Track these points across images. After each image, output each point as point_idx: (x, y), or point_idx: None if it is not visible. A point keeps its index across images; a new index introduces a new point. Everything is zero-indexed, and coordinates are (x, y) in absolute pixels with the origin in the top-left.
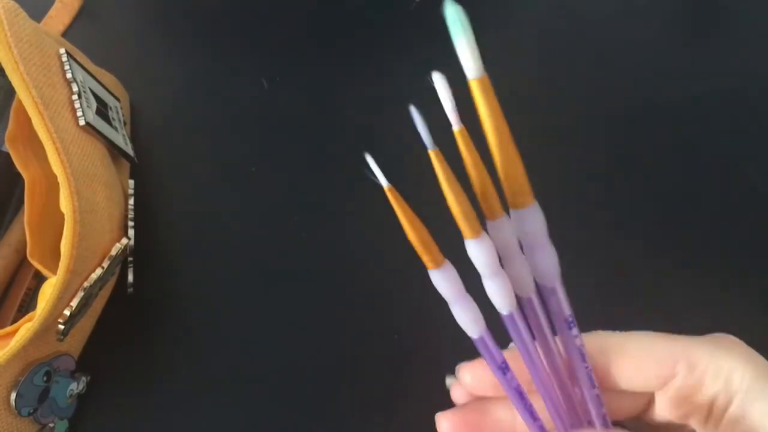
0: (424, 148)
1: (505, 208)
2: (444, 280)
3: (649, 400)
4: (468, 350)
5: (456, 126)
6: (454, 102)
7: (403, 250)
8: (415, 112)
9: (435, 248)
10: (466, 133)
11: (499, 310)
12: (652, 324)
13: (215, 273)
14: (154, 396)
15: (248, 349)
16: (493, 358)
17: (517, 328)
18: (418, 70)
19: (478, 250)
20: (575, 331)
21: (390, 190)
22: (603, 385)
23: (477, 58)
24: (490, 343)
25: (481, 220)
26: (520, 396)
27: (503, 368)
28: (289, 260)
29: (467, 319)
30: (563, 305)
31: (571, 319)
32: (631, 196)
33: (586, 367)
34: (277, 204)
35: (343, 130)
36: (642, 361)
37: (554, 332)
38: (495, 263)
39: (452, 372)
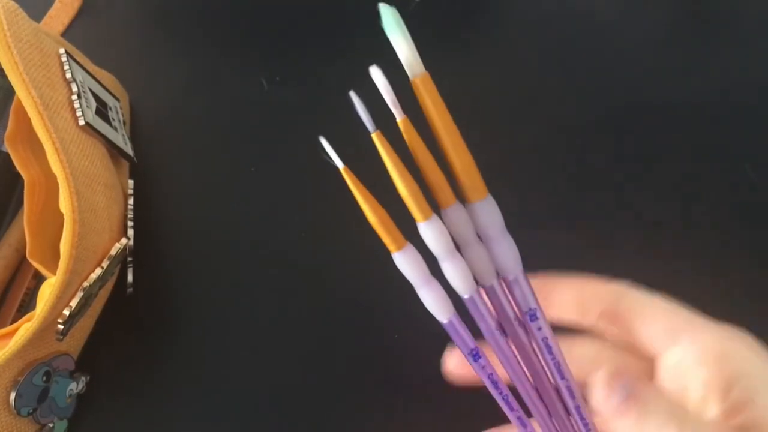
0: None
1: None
2: (407, 263)
3: (654, 366)
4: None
5: (399, 116)
6: (393, 94)
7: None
8: (355, 97)
9: (395, 230)
10: (409, 124)
11: (460, 294)
12: None
13: (215, 273)
14: (153, 396)
15: (248, 348)
16: (465, 343)
17: (480, 312)
18: None
19: (430, 232)
20: (540, 322)
21: (345, 170)
22: (622, 334)
23: (415, 56)
24: (460, 328)
25: (435, 209)
26: (494, 384)
27: (475, 354)
28: (289, 260)
29: (434, 302)
30: (527, 297)
31: (534, 311)
32: (631, 195)
33: (553, 359)
34: (277, 204)
35: (343, 129)
36: (659, 321)
37: (519, 322)
38: (449, 245)
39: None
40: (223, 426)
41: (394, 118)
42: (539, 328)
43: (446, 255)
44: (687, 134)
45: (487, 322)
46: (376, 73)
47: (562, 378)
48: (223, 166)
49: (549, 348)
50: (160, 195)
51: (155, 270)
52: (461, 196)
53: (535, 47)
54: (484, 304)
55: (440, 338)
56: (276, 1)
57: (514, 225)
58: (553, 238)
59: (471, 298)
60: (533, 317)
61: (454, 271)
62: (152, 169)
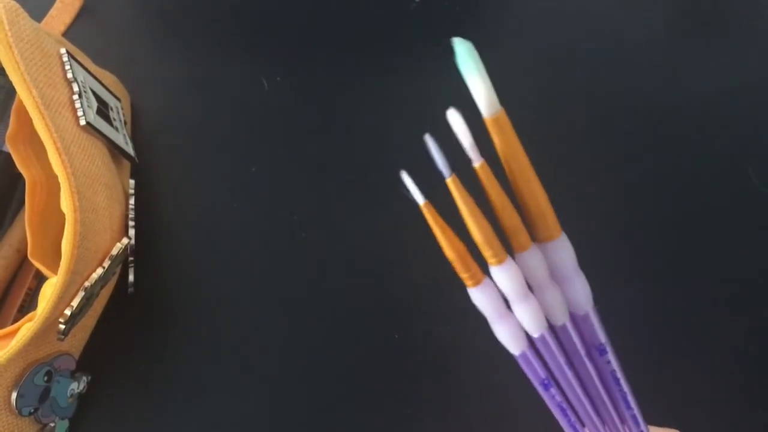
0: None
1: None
2: (484, 298)
3: None
4: (469, 350)
5: (477, 161)
6: (471, 138)
7: (403, 249)
8: (431, 141)
9: (474, 265)
10: (487, 169)
11: (530, 333)
12: (657, 316)
13: (215, 273)
14: (154, 396)
15: (248, 348)
16: (536, 374)
17: (550, 348)
18: (418, 70)
19: (504, 276)
20: (608, 356)
21: (426, 206)
22: None
23: (491, 93)
24: (533, 359)
25: (508, 250)
26: (563, 412)
27: (546, 384)
28: (289, 260)
29: (509, 336)
30: (596, 331)
31: (603, 346)
32: (630, 195)
33: (620, 390)
34: (277, 204)
35: (344, 129)
36: None
37: (589, 356)
38: (522, 287)
39: (451, 373)
40: (223, 426)
41: (396, 118)
42: (608, 362)
43: (520, 298)
44: (688, 135)
45: (556, 359)
46: (454, 117)
47: (629, 408)
48: (224, 166)
49: (617, 380)
50: (161, 195)
51: (156, 270)
52: (533, 235)
53: (535, 47)
54: (555, 342)
55: (440, 337)
56: (276, 1)
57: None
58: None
59: (542, 337)
60: (603, 351)
61: (527, 313)
62: (153, 169)
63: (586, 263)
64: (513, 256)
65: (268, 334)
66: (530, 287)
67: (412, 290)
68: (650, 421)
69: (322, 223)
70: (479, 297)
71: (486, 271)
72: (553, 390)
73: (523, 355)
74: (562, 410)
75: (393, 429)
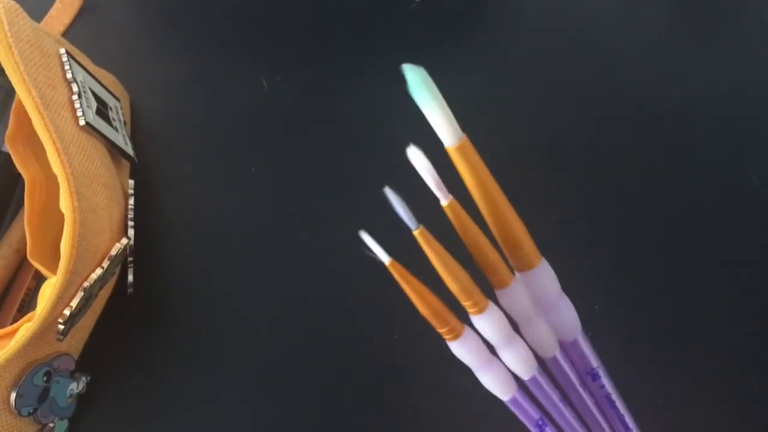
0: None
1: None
2: (465, 351)
3: None
4: None
5: (444, 200)
6: (437, 176)
7: (403, 249)
8: (391, 194)
9: (452, 318)
10: (457, 206)
11: (521, 377)
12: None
13: (215, 273)
14: (154, 396)
15: (248, 348)
16: (530, 416)
17: (543, 389)
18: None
19: (487, 325)
20: (602, 381)
21: (392, 265)
22: None
23: (452, 122)
24: (524, 402)
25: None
26: None
27: (541, 425)
28: (289, 260)
29: (496, 384)
30: (588, 357)
31: (596, 371)
32: (631, 195)
33: (617, 413)
34: (277, 204)
35: (344, 130)
36: None
37: (582, 382)
38: (507, 333)
39: (452, 373)
40: (223, 426)
41: (396, 118)
42: (602, 386)
43: (505, 343)
44: (688, 135)
45: (550, 397)
46: (415, 155)
47: (627, 429)
48: (224, 166)
49: (613, 403)
50: (161, 195)
51: (156, 270)
52: (512, 264)
53: (535, 47)
54: (547, 380)
55: (440, 337)
56: (276, 1)
57: None
58: (551, 237)
59: (533, 378)
60: (595, 376)
61: (516, 357)
62: (153, 169)
63: (585, 263)
64: (495, 292)
65: (268, 335)
66: (516, 322)
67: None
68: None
69: (322, 223)
70: (460, 350)
71: (465, 317)
72: (549, 429)
73: (514, 399)
74: None
75: (393, 429)
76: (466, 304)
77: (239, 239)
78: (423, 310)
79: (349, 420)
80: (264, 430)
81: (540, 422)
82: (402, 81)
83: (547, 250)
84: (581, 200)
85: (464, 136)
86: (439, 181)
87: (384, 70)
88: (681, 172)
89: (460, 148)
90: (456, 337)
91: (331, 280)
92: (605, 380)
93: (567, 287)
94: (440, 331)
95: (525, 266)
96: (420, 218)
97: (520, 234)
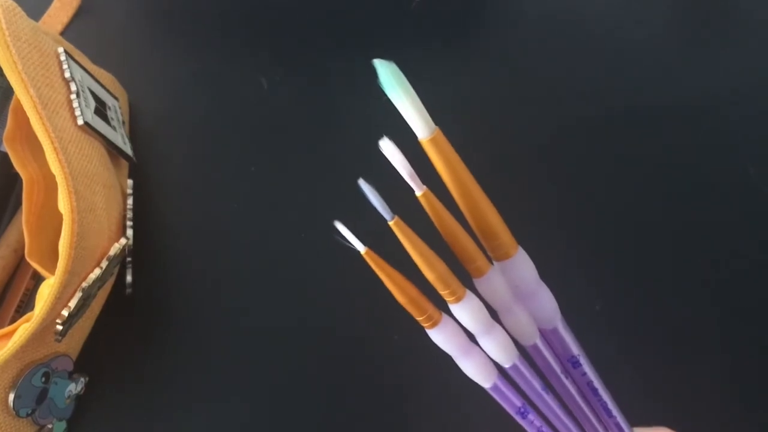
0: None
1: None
2: (444, 338)
3: None
4: None
5: (418, 191)
6: (410, 167)
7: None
8: (366, 186)
9: (429, 306)
10: (431, 197)
11: (502, 365)
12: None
13: (214, 273)
14: (152, 397)
15: (247, 349)
16: (511, 404)
17: (524, 377)
18: (418, 70)
19: (466, 313)
20: (583, 368)
21: (368, 253)
22: None
23: (423, 114)
24: (505, 389)
25: (466, 277)
26: None
27: (523, 412)
28: (288, 260)
29: (476, 371)
30: (568, 344)
31: (576, 357)
32: (630, 195)
33: (600, 400)
34: (277, 204)
35: (343, 129)
36: None
37: (564, 371)
38: (485, 321)
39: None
40: (223, 425)
41: (396, 118)
42: (583, 374)
43: (484, 331)
44: (689, 135)
45: (532, 385)
46: (388, 147)
47: (610, 416)
48: (223, 166)
49: (595, 390)
50: (160, 195)
51: (154, 270)
52: (490, 254)
53: (535, 46)
54: (528, 368)
55: None
56: (276, 1)
57: (507, 224)
58: (551, 238)
59: (514, 366)
60: (576, 364)
61: (495, 345)
62: (151, 169)
63: (585, 263)
64: (472, 281)
65: (267, 335)
66: (495, 311)
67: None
68: (639, 420)
69: (321, 223)
70: (439, 337)
71: (443, 306)
72: (532, 416)
73: (495, 387)
74: None
75: (394, 430)
76: (443, 293)
77: (238, 239)
78: (400, 297)
79: (350, 420)
80: (264, 430)
81: (522, 409)
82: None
83: (547, 250)
84: (581, 200)
85: (437, 129)
86: (413, 172)
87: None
88: (681, 171)
89: (433, 140)
90: (434, 324)
91: (331, 280)
92: (586, 368)
93: (567, 288)
94: (418, 319)
95: (502, 256)
96: (409, 208)
97: (496, 224)
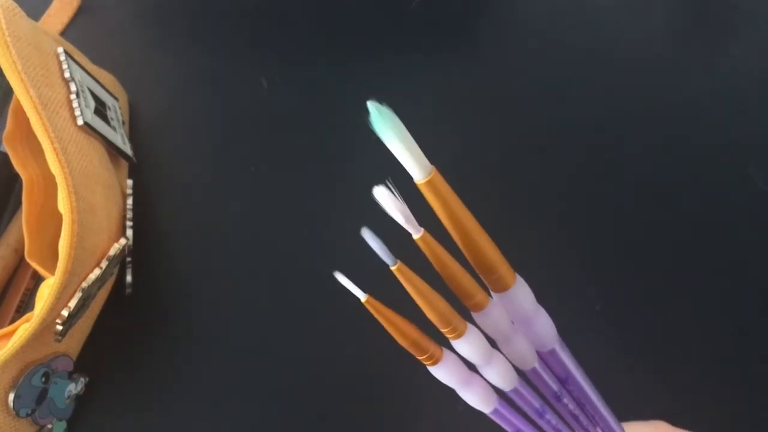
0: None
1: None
2: (446, 374)
3: None
4: None
5: (416, 234)
6: (407, 211)
7: (405, 248)
8: (368, 234)
9: (432, 345)
10: (430, 238)
11: (503, 390)
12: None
13: (214, 273)
14: (152, 397)
15: (247, 349)
16: (512, 424)
17: (525, 398)
18: (418, 70)
19: (467, 347)
20: (586, 381)
21: (368, 302)
22: None
23: (419, 156)
24: (506, 412)
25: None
26: None
27: (521, 431)
28: (289, 260)
29: (478, 400)
30: (566, 364)
31: (574, 376)
32: (630, 195)
33: (597, 412)
34: (277, 204)
35: (343, 129)
36: None
37: (564, 390)
38: (486, 351)
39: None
40: (223, 426)
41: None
42: (581, 390)
43: (486, 361)
44: (689, 135)
45: (532, 405)
46: (381, 195)
47: (618, 426)
48: (223, 166)
49: (593, 406)
50: (160, 195)
51: (154, 270)
52: (488, 285)
53: (535, 46)
54: (527, 389)
55: (441, 338)
56: (276, 1)
57: (509, 224)
58: (551, 238)
59: (515, 389)
60: (572, 383)
61: (496, 373)
62: (151, 169)
63: (585, 264)
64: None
65: (267, 335)
66: (494, 340)
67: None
68: (637, 418)
69: (322, 223)
70: (441, 373)
71: (442, 340)
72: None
73: (496, 411)
74: None
75: (395, 429)
76: (445, 330)
77: (238, 239)
78: (402, 341)
79: (350, 420)
80: (264, 430)
81: (521, 429)
82: (402, 81)
83: (547, 251)
84: (580, 200)
85: (433, 169)
86: (410, 215)
87: (384, 70)
88: (681, 170)
89: (429, 183)
90: (436, 362)
91: (331, 279)
92: (585, 384)
93: (567, 288)
94: (420, 358)
95: (501, 288)
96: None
97: (495, 259)
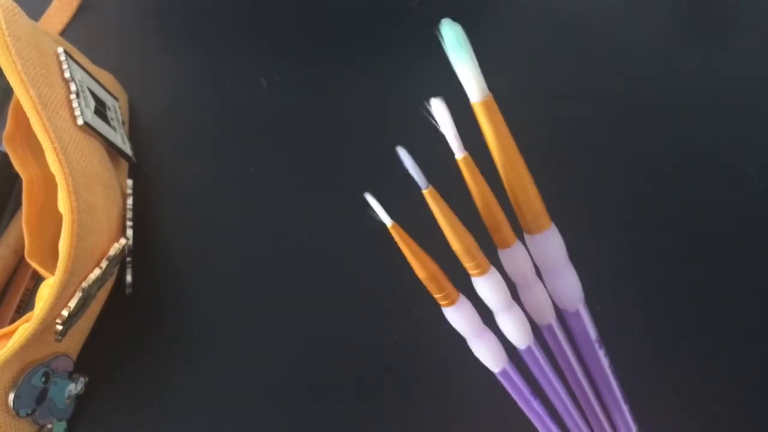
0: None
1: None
2: (460, 318)
3: None
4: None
5: (459, 154)
6: (455, 129)
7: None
8: (403, 153)
9: (448, 284)
10: (470, 161)
11: (515, 345)
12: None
13: (214, 273)
14: (152, 398)
15: (247, 349)
16: (518, 390)
17: (537, 360)
18: (418, 69)
19: (487, 287)
20: (602, 351)
21: (394, 227)
22: None
23: (479, 78)
24: (514, 375)
25: (492, 247)
26: (547, 426)
27: (529, 398)
28: (289, 260)
29: (488, 353)
30: (589, 328)
31: (598, 341)
32: (630, 195)
33: (612, 388)
34: (277, 204)
35: (343, 129)
36: None
37: (578, 356)
38: (506, 298)
39: (452, 373)
40: (224, 426)
41: (396, 118)
42: (599, 360)
43: (504, 308)
44: (688, 134)
45: (543, 370)
46: (438, 106)
47: (626, 402)
48: (223, 166)
49: (608, 379)
50: (160, 195)
51: (154, 270)
52: (522, 226)
53: (535, 46)
54: (541, 351)
55: (441, 337)
56: (276, 1)
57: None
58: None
59: (528, 348)
60: (594, 349)
61: (512, 324)
62: (151, 169)
63: (585, 263)
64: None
65: (267, 335)
66: (516, 284)
67: (413, 291)
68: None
69: (322, 223)
70: (455, 316)
71: (460, 284)
72: (536, 403)
73: (503, 371)
74: (546, 425)
75: (395, 429)
76: (468, 265)
77: (238, 239)
78: (421, 273)
79: (350, 420)
80: (264, 430)
81: (528, 396)
82: (402, 80)
83: None
84: (580, 200)
85: (489, 95)
86: (457, 134)
87: (384, 70)
88: (682, 170)
89: (486, 104)
90: (451, 303)
91: (332, 279)
92: (603, 355)
93: None
94: (436, 296)
95: (536, 228)
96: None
97: (534, 195)
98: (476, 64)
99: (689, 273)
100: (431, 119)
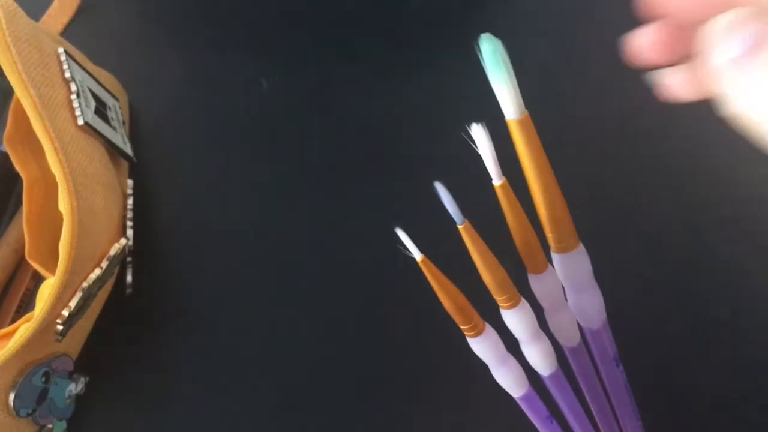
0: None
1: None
2: (485, 347)
3: None
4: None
5: (497, 180)
6: (494, 155)
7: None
8: (441, 189)
9: (475, 315)
10: (508, 188)
11: (541, 373)
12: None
13: (214, 273)
14: (152, 397)
15: (248, 349)
16: (537, 413)
17: (561, 384)
18: (418, 69)
19: (516, 320)
20: (620, 369)
21: (424, 262)
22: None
23: (517, 95)
24: (534, 399)
25: (522, 271)
26: None
27: (548, 419)
28: (289, 260)
29: (511, 381)
30: (609, 345)
31: (617, 358)
32: (630, 197)
33: (629, 404)
34: (277, 203)
35: (344, 129)
36: None
37: (598, 374)
38: (533, 328)
39: (452, 370)
40: (224, 426)
41: (396, 118)
42: (622, 373)
43: (531, 338)
44: (688, 135)
45: (567, 393)
46: (478, 133)
47: (638, 420)
48: (223, 166)
49: (629, 392)
50: (160, 195)
51: (154, 270)
52: (550, 244)
53: (535, 46)
54: (564, 375)
55: (442, 336)
56: (276, 1)
57: (506, 232)
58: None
59: (552, 374)
60: (617, 363)
61: (538, 355)
62: (151, 169)
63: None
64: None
65: (267, 334)
66: (543, 308)
67: (414, 289)
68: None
69: (322, 222)
70: (480, 347)
71: (481, 309)
72: (554, 424)
73: (524, 396)
74: None
75: (400, 425)
76: (500, 298)
77: (238, 239)
78: (449, 306)
79: (351, 417)
80: (264, 430)
81: (548, 418)
82: (403, 80)
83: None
84: (580, 201)
85: (526, 112)
86: (496, 161)
87: (384, 70)
88: (681, 172)
89: (522, 122)
90: (478, 334)
91: (332, 278)
92: (620, 371)
93: None
94: (463, 327)
95: (563, 248)
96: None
97: (565, 215)
98: (514, 81)
99: (690, 276)
100: (471, 144)
